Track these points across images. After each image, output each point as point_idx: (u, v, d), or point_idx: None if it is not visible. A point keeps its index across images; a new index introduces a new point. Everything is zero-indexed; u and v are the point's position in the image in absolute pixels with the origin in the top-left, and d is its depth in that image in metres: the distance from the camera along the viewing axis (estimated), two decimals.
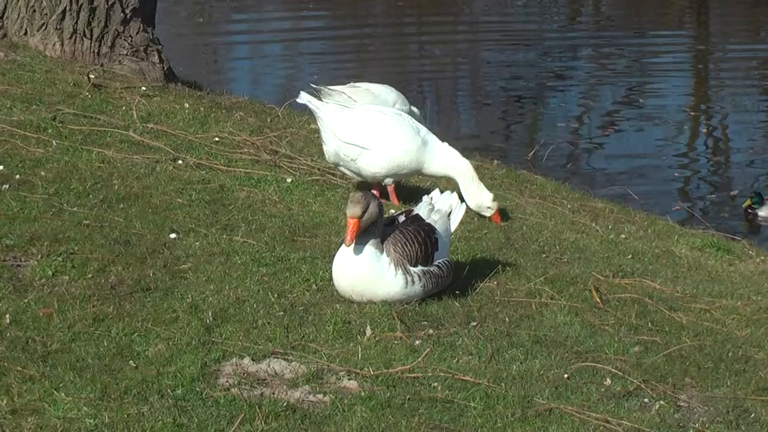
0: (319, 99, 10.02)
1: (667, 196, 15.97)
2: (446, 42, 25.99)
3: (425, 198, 8.01)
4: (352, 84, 11.27)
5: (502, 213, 9.91)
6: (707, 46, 26.29)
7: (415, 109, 11.69)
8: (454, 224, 8.04)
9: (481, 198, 9.53)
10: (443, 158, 9.52)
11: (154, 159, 9.80)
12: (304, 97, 9.54)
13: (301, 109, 9.91)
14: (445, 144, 9.59)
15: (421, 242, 7.55)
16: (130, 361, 6.56)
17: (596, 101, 21.10)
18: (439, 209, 7.90)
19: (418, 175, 10.26)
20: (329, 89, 11.13)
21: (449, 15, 28.62)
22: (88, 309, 7.08)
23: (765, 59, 24.58)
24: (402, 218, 7.79)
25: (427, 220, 7.76)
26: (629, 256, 9.41)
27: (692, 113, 20.35)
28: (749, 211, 15.55)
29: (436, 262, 7.64)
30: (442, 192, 8.13)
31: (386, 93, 11.20)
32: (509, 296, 7.93)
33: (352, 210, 7.22)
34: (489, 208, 9.59)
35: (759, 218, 15.61)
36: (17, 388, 6.18)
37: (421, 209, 7.87)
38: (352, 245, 7.36)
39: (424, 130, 9.61)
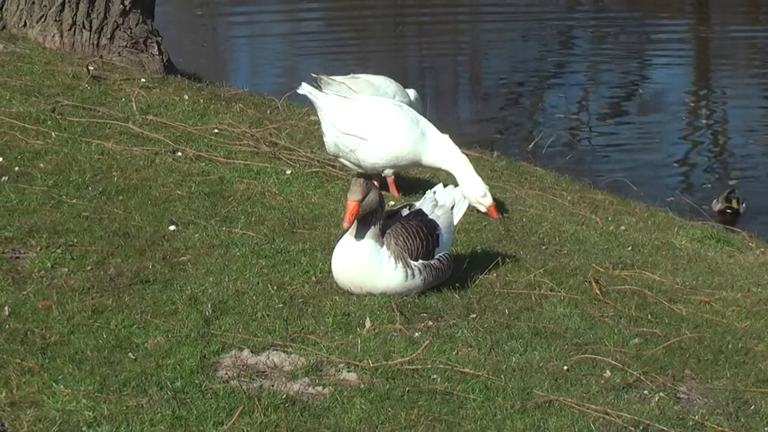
0: (320, 89, 10.00)
1: (666, 186, 15.96)
2: (446, 33, 25.95)
3: (429, 193, 8.00)
4: (352, 75, 11.26)
5: (500, 205, 9.90)
6: (707, 33, 26.27)
7: (411, 92, 11.61)
8: (456, 218, 8.04)
9: (474, 190, 9.37)
10: (439, 150, 9.48)
11: (153, 151, 9.79)
12: (305, 88, 9.55)
13: (301, 101, 9.91)
14: (445, 136, 9.56)
15: (423, 238, 7.54)
16: (129, 354, 6.56)
17: (596, 91, 21.08)
18: (443, 204, 7.89)
19: (418, 167, 10.25)
20: (330, 79, 11.12)
21: (449, 5, 28.58)
22: (87, 301, 7.08)
23: (765, 44, 24.57)
24: (405, 212, 7.79)
25: (431, 216, 7.75)
26: (629, 248, 9.40)
27: (692, 103, 20.34)
28: (728, 210, 15.49)
29: (436, 256, 7.63)
30: (445, 186, 8.12)
31: (386, 85, 11.19)
32: (509, 288, 7.93)
33: (353, 192, 7.24)
34: (480, 203, 9.36)
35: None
36: (16, 381, 6.18)
37: (424, 204, 7.86)
38: (352, 235, 7.36)
39: (423, 121, 9.59)
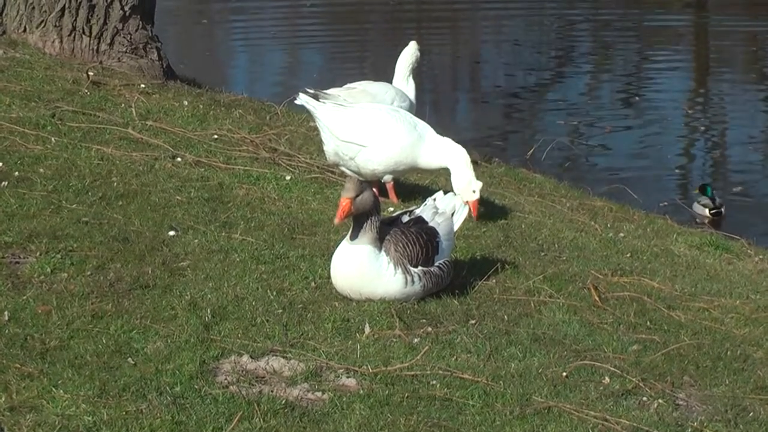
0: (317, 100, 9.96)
1: (666, 193, 15.99)
2: (444, 35, 25.98)
3: (429, 200, 8.00)
4: (348, 86, 11.12)
5: (499, 212, 9.91)
6: (707, 29, 26.32)
7: (408, 84, 11.45)
8: (456, 225, 8.05)
9: (471, 183, 9.34)
10: (439, 149, 9.46)
11: (152, 156, 9.80)
12: (302, 98, 9.55)
13: (300, 107, 9.89)
14: (444, 138, 9.56)
15: (422, 245, 7.55)
16: (129, 359, 6.56)
17: (595, 98, 21.11)
18: (443, 211, 7.90)
19: (417, 173, 10.25)
20: (324, 93, 11.01)
21: (447, 11, 28.60)
22: (86, 306, 7.08)
23: (764, 42, 24.61)
24: (405, 218, 7.79)
25: (431, 223, 7.76)
26: (628, 255, 9.40)
27: (690, 110, 20.36)
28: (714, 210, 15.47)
29: (436, 263, 7.64)
30: (445, 193, 8.13)
31: (383, 92, 11.01)
32: (508, 294, 7.93)
33: (346, 190, 7.27)
34: (474, 191, 9.29)
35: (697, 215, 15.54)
36: (16, 386, 6.18)
37: (424, 211, 7.86)
38: (349, 238, 7.37)
39: (421, 124, 9.58)
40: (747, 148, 18.23)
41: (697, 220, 15.26)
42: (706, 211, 15.51)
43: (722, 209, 15.55)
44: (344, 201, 7.27)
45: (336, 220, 7.34)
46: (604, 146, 17.97)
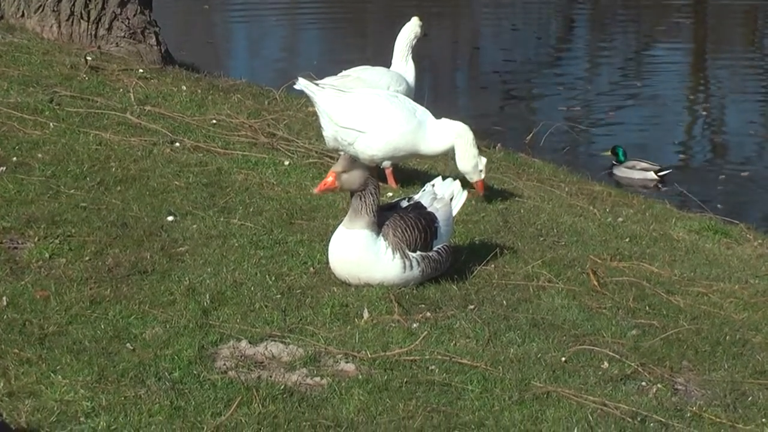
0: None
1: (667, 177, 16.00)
2: (444, 26, 25.94)
3: (427, 186, 7.99)
4: (342, 74, 11.05)
5: (497, 195, 9.90)
6: (706, 1, 26.29)
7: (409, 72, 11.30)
8: (455, 210, 8.04)
9: (477, 161, 9.38)
10: (441, 132, 9.44)
11: (151, 141, 9.79)
12: (301, 83, 9.53)
13: (299, 92, 9.87)
14: (442, 119, 9.54)
15: (421, 230, 7.54)
16: (127, 344, 6.56)
17: (594, 81, 21.09)
18: (442, 197, 7.89)
19: (417, 158, 10.24)
20: (317, 83, 10.91)
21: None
22: (85, 291, 7.08)
23: (764, 17, 24.60)
24: (404, 204, 7.79)
25: (429, 209, 7.75)
26: (627, 240, 9.40)
27: (691, 96, 20.35)
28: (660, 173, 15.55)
29: (435, 248, 7.63)
30: (444, 179, 8.12)
31: (378, 78, 10.90)
32: (507, 279, 7.93)
33: (336, 165, 7.28)
34: (481, 171, 9.40)
35: (615, 176, 15.63)
36: (14, 371, 6.18)
37: (423, 197, 7.86)
38: (346, 224, 7.37)
39: (420, 110, 9.56)
40: (747, 128, 18.21)
41: (622, 184, 15.24)
42: (651, 173, 15.56)
43: (668, 171, 15.57)
44: (330, 174, 7.28)
45: (315, 190, 7.39)
46: (604, 130, 17.96)
